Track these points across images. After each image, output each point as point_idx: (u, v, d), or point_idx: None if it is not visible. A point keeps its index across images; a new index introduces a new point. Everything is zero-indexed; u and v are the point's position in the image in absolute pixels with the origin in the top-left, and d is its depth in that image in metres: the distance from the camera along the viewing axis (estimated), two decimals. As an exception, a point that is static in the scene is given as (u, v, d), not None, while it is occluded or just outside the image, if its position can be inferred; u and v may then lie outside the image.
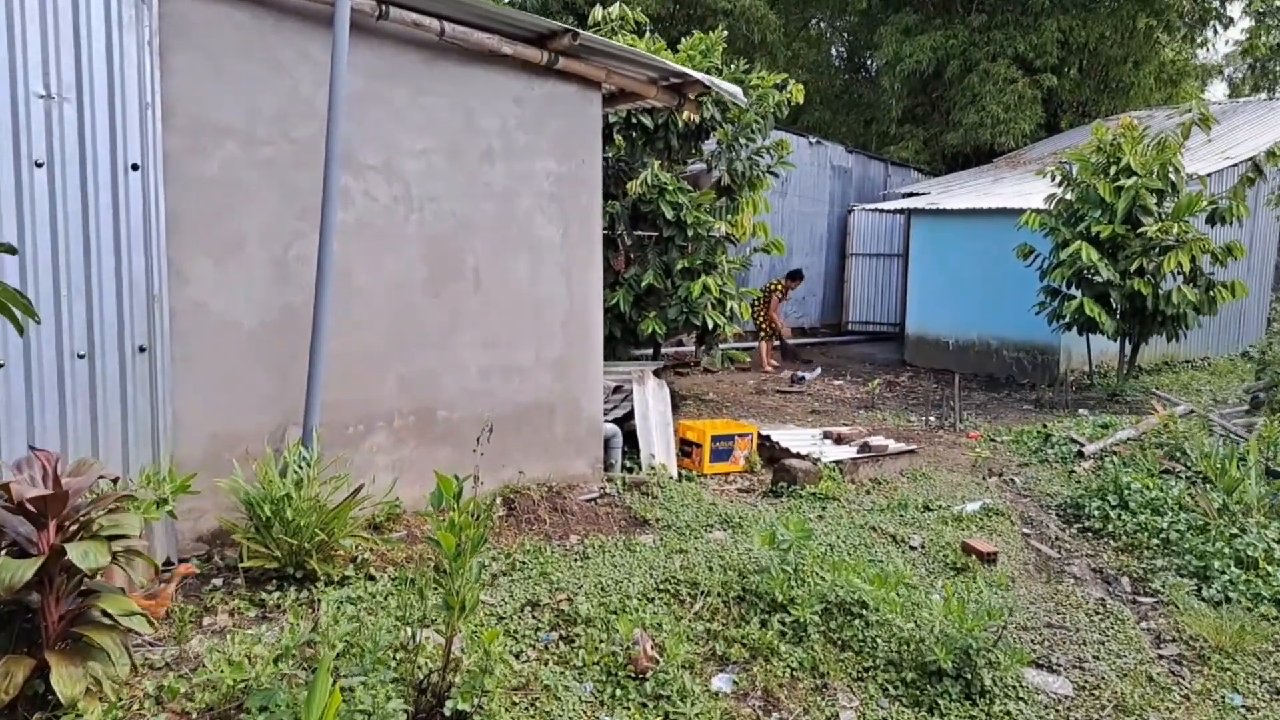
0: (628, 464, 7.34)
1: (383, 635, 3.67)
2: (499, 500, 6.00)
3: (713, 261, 10.88)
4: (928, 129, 20.85)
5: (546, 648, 4.20)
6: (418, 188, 5.76)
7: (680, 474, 7.37)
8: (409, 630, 3.70)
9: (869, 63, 22.32)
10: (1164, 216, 11.62)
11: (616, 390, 7.69)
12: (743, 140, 11.17)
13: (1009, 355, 14.11)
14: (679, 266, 10.78)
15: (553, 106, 6.41)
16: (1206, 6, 19.86)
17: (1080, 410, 11.28)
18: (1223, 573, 5.50)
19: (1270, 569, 5.48)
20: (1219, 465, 6.41)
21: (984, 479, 7.90)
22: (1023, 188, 15.52)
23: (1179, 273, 11.35)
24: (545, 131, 6.39)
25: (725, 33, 11.11)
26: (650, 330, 10.64)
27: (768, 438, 7.89)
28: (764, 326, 13.80)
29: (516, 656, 4.05)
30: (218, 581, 4.58)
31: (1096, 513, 6.74)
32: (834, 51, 25.53)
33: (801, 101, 11.64)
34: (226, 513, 4.70)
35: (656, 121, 10.86)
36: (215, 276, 4.93)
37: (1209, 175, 13.48)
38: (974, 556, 5.82)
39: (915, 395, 12.64)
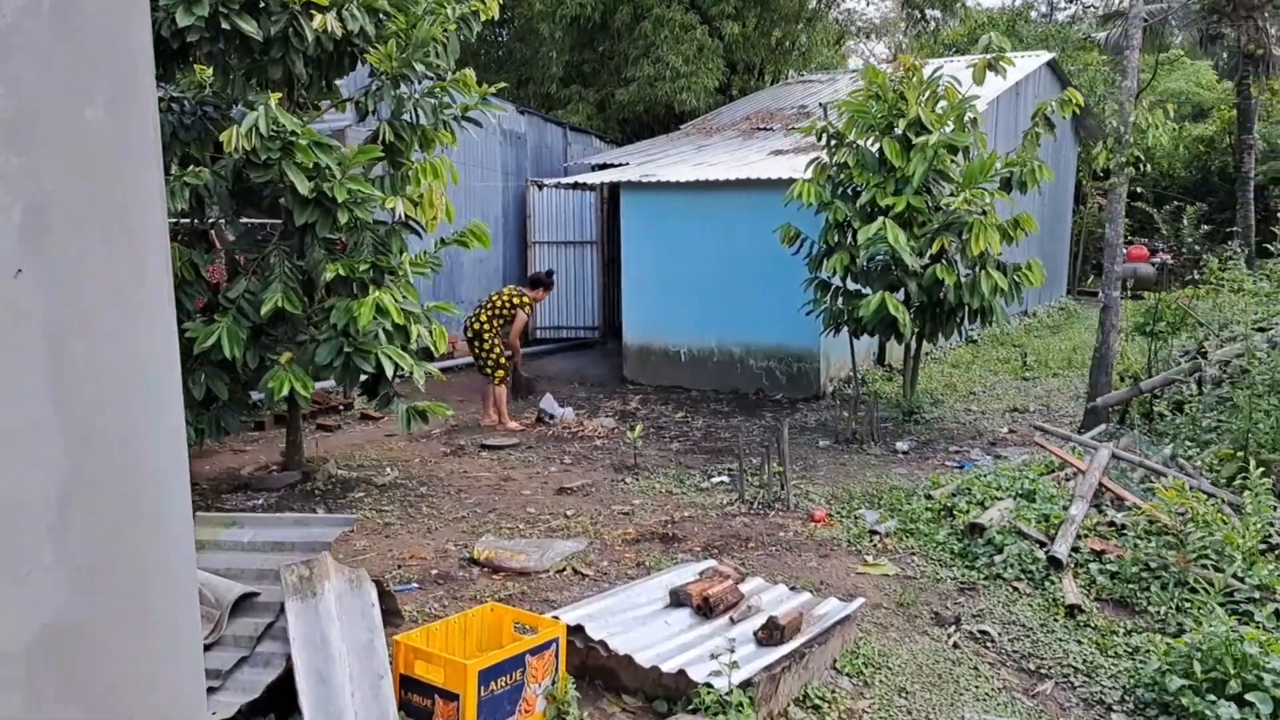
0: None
1: None
2: None
3: (386, 265, 6.57)
4: (598, 90, 17.54)
5: None
6: None
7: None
8: None
9: (515, 13, 18.51)
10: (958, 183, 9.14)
11: (243, 604, 3.21)
12: (417, 68, 6.92)
13: (757, 365, 11.13)
14: (328, 275, 6.40)
15: None
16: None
17: (898, 445, 8.46)
18: None
19: None
20: None
21: (945, 639, 4.50)
22: (743, 155, 12.64)
23: (982, 255, 8.90)
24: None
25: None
26: (285, 389, 6.14)
27: (579, 630, 3.85)
28: (502, 360, 9.10)
29: None
30: None
31: (1240, 731, 3.56)
32: None
33: (496, 16, 7.66)
34: None
35: (269, 31, 6.33)
36: None
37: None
38: None
39: (670, 433, 9.18)
